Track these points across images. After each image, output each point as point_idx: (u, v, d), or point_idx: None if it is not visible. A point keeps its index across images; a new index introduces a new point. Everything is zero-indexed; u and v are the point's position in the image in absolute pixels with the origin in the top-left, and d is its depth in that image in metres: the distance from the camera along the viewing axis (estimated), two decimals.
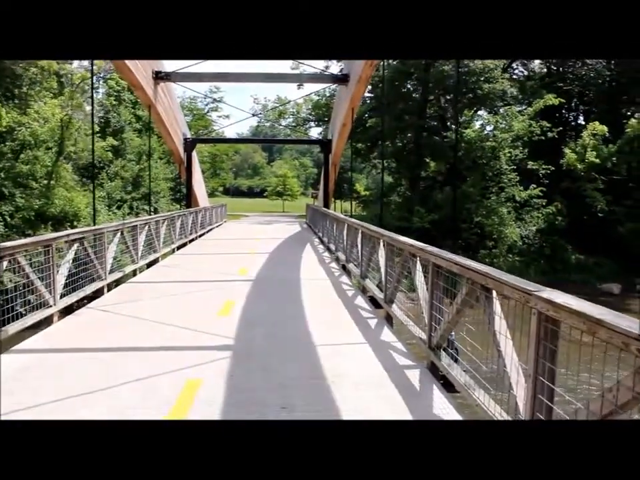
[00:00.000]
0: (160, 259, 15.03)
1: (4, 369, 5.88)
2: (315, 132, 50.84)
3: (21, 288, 7.52)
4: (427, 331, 6.09)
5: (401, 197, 34.95)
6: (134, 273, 12.56)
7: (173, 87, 23.81)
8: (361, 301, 9.72)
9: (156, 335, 7.35)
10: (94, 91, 33.23)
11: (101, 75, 32.75)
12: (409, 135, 35.87)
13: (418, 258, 6.92)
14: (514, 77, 37.19)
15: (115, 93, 32.72)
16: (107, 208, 27.68)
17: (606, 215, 29.87)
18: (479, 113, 36.22)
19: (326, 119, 46.23)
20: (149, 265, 13.80)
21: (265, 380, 5.56)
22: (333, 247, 16.44)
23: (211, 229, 26.65)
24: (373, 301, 9.53)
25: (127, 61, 15.74)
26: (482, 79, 31.65)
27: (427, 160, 35.02)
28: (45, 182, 24.70)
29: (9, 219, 22.28)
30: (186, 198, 27.27)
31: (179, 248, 17.95)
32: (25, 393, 5.15)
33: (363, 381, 5.57)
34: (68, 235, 9.03)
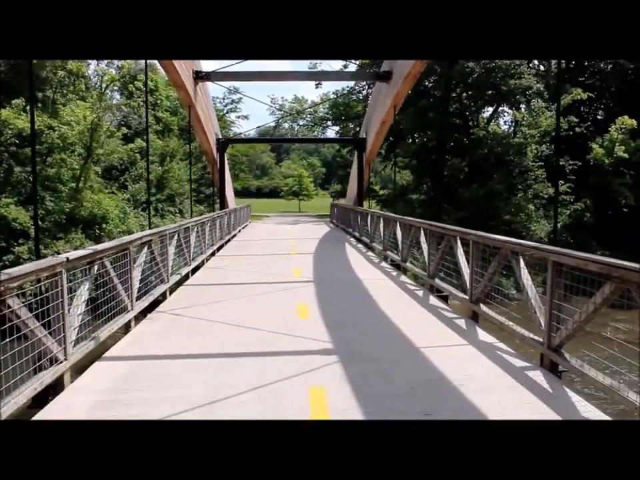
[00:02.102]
0: (205, 261, 14.87)
1: (108, 378, 5.69)
2: (331, 131, 50.57)
3: (106, 293, 7.36)
4: (544, 331, 5.89)
5: (425, 195, 34.66)
6: (186, 276, 12.39)
7: (208, 86, 23.56)
8: (434, 300, 9.52)
9: (248, 339, 7.13)
10: (112, 93, 33.36)
11: (126, 78, 32.61)
12: (429, 132, 35.57)
13: (521, 256, 6.71)
14: (535, 71, 36.84)
15: (138, 97, 32.64)
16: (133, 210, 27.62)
17: (632, 210, 29.49)
18: (501, 109, 36.02)
19: (343, 118, 46.10)
20: (197, 267, 13.63)
21: (390, 385, 5.35)
22: (378, 246, 16.22)
23: (240, 230, 26.49)
24: (446, 299, 9.37)
25: (174, 62, 15.51)
26: (507, 75, 31.33)
27: (448, 157, 34.72)
28: (72, 185, 24.60)
29: (40, 223, 22.16)
30: (220, 199, 27.00)
31: (217, 250, 17.78)
32: (140, 406, 4.87)
33: (492, 383, 5.38)
34: (141, 238, 8.87)
